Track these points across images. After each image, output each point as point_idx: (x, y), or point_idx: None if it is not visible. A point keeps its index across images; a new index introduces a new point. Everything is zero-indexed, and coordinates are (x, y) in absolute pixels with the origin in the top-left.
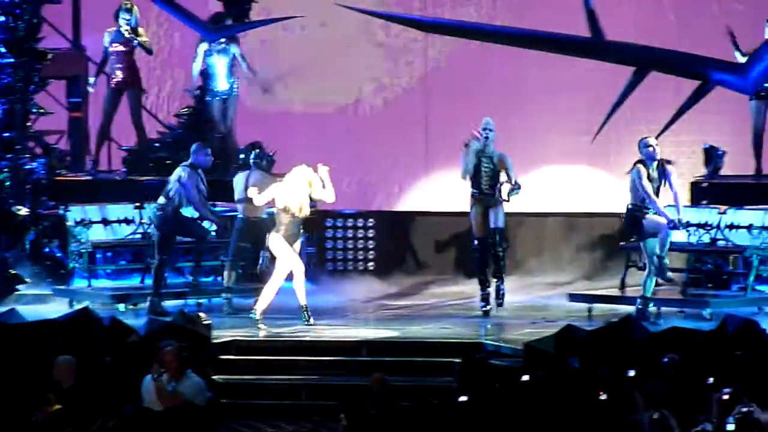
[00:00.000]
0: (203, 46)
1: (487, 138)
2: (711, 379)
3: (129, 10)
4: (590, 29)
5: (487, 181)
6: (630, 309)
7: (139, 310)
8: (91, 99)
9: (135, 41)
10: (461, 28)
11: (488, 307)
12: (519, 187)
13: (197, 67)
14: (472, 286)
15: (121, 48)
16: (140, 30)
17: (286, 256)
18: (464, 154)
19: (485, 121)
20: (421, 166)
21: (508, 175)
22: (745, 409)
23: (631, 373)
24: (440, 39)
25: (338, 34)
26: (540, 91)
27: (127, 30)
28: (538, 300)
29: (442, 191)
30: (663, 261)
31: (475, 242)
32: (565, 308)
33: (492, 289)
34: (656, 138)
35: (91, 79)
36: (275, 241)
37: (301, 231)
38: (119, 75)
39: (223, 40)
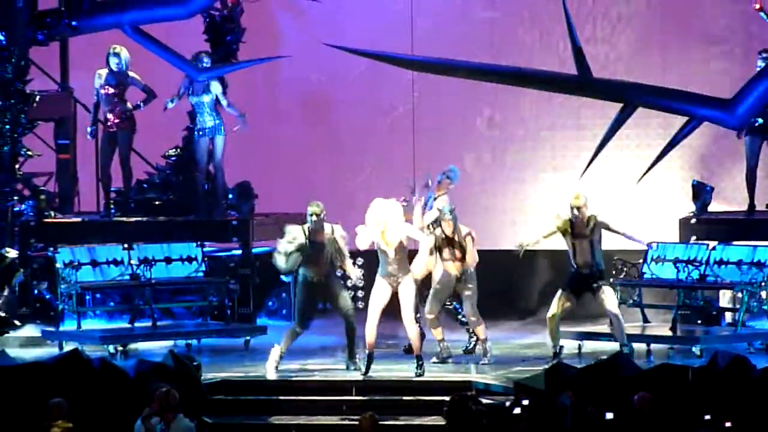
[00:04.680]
0: (186, 85)
1: None
2: (708, 416)
3: (117, 54)
4: (577, 66)
5: None
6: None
7: (129, 352)
8: (79, 141)
9: (136, 83)
10: (449, 66)
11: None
12: None
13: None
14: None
15: (112, 90)
16: (131, 73)
17: None
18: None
19: None
20: None
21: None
22: None
23: (609, 415)
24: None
25: None
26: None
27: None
28: (528, 336)
29: None
30: None
31: None
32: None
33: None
34: (645, 173)
35: (89, 129)
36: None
37: None
38: (111, 118)
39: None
